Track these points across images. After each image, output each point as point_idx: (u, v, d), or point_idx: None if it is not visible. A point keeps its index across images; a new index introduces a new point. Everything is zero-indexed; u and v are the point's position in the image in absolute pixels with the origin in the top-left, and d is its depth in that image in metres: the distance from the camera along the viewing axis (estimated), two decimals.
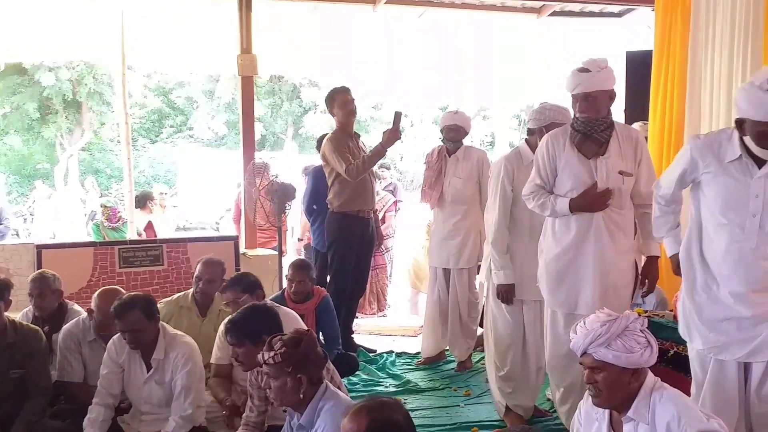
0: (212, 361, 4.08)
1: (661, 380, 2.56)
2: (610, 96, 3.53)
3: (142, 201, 8.63)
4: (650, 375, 2.54)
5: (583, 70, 3.46)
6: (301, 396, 2.81)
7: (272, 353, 2.79)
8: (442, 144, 5.53)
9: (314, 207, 6.24)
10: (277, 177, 5.74)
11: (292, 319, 4.15)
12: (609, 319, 2.52)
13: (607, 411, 2.63)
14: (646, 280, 3.70)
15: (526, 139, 4.29)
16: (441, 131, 5.49)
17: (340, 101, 5.48)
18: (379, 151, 5.43)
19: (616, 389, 2.49)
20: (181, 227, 13.97)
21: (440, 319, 5.54)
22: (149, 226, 8.49)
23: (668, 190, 3.12)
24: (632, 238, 3.72)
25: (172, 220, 9.38)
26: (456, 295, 5.46)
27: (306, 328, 3.04)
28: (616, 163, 3.55)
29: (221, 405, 3.91)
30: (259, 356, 2.86)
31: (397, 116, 5.47)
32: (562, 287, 3.67)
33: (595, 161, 3.54)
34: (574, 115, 3.61)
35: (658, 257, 3.69)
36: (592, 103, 3.47)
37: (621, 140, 3.58)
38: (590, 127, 3.52)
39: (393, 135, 5.41)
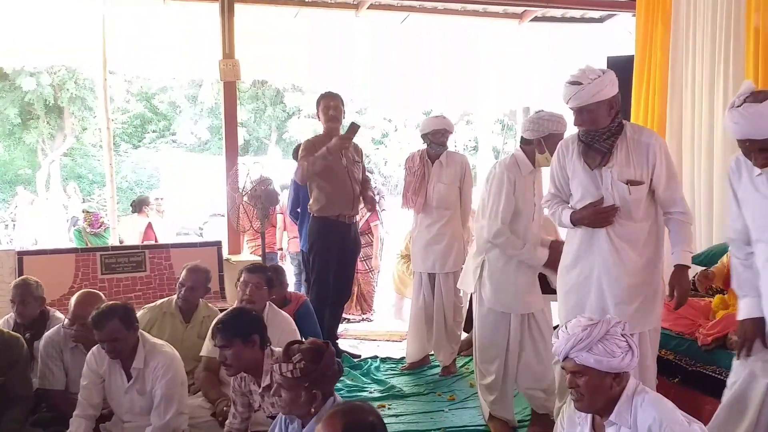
0: (203, 353, 4.11)
1: None
2: (610, 105, 3.29)
3: (138, 206, 8.66)
4: (632, 379, 2.56)
5: (575, 82, 3.26)
6: (313, 410, 2.78)
7: (291, 367, 2.75)
8: (422, 148, 5.51)
9: (298, 210, 6.24)
10: (267, 181, 5.69)
11: (285, 322, 4.18)
12: (590, 323, 2.54)
13: (589, 415, 2.64)
14: (675, 292, 3.34)
15: (522, 148, 4.19)
16: (426, 136, 5.43)
17: (323, 107, 5.47)
18: (324, 155, 5.24)
19: (598, 393, 2.51)
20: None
21: (426, 323, 5.54)
22: (149, 228, 8.49)
23: (736, 225, 2.98)
24: (652, 251, 3.41)
25: (171, 224, 9.36)
26: (441, 300, 5.45)
27: (324, 340, 2.96)
28: (623, 172, 3.32)
29: (213, 406, 3.93)
30: (276, 366, 2.81)
31: (354, 128, 5.32)
32: (569, 302, 3.50)
33: (599, 171, 3.35)
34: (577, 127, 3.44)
35: (688, 267, 3.36)
36: (588, 115, 3.29)
37: (630, 146, 3.33)
38: (591, 137, 3.34)
39: (341, 143, 5.23)
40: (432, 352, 5.69)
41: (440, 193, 5.36)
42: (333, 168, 5.34)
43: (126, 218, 9.04)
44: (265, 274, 4.31)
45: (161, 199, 9.77)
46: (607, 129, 3.32)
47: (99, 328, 3.51)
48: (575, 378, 2.53)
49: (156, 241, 8.20)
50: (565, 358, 2.55)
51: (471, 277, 4.37)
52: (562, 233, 4.12)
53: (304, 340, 3.01)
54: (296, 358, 2.77)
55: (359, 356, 5.97)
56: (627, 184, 3.29)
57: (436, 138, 5.37)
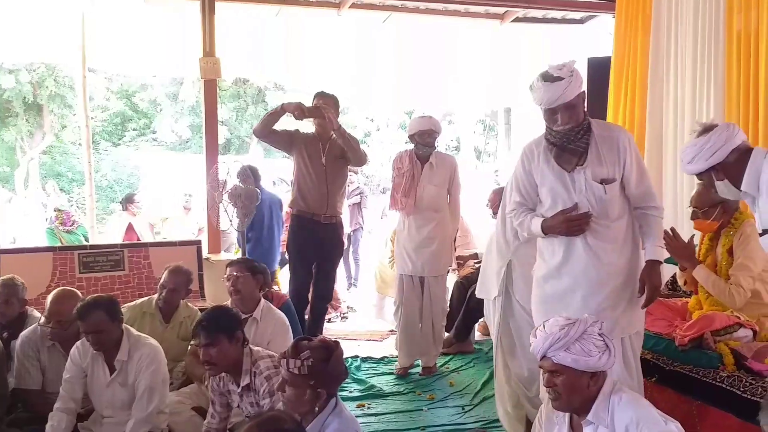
0: (190, 348, 4.09)
1: None
2: (583, 98, 3.21)
3: (124, 203, 8.65)
4: (609, 378, 2.58)
5: (556, 78, 3.09)
6: (316, 409, 2.77)
7: (299, 363, 2.72)
8: (409, 149, 5.44)
9: None
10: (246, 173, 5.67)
11: (279, 320, 4.17)
12: (568, 323, 2.55)
13: (567, 414, 2.66)
14: (645, 288, 3.24)
15: None
16: (413, 137, 5.34)
17: (314, 104, 5.41)
18: (275, 110, 5.19)
19: (575, 392, 2.52)
20: None
21: (417, 326, 5.50)
22: (130, 228, 8.46)
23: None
24: (630, 248, 3.31)
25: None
26: (430, 303, 5.42)
27: (334, 339, 2.94)
28: (596, 171, 3.20)
29: (198, 382, 3.98)
30: (284, 362, 2.77)
31: (319, 111, 5.12)
32: (547, 313, 3.17)
33: (572, 174, 3.22)
34: (547, 127, 3.26)
35: (660, 262, 3.28)
36: (572, 112, 3.15)
37: (600, 143, 3.22)
38: (566, 139, 3.19)
39: (298, 105, 5.07)
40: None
41: (431, 195, 5.30)
42: (309, 166, 5.30)
43: (113, 216, 9.06)
44: (246, 263, 4.31)
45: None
46: (580, 127, 3.20)
47: (83, 319, 3.50)
48: (553, 377, 2.55)
49: (139, 239, 8.20)
50: (543, 357, 2.56)
51: (493, 282, 4.14)
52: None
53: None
54: (305, 355, 2.73)
55: None
56: (601, 183, 3.19)
57: (423, 139, 5.28)
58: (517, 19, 7.81)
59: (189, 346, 4.14)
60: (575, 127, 3.18)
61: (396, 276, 5.62)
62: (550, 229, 3.25)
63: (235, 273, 4.18)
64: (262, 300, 4.25)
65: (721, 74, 5.12)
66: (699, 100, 5.34)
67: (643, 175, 3.30)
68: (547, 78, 3.12)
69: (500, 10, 7.63)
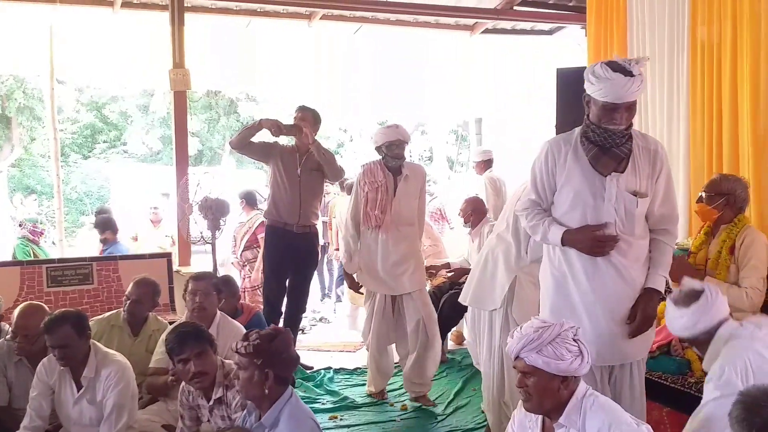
0: (152, 365, 4.03)
1: None
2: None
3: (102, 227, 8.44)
4: (582, 383, 2.58)
5: (628, 73, 2.80)
6: (266, 391, 2.84)
7: (246, 343, 2.85)
8: (376, 160, 5.04)
9: None
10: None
11: (237, 331, 4.15)
12: (543, 325, 2.54)
13: (539, 418, 2.66)
14: (637, 316, 3.00)
15: None
16: (380, 149, 4.94)
17: (293, 118, 5.42)
18: (253, 125, 5.32)
19: (546, 395, 2.52)
20: None
21: (390, 348, 5.20)
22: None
23: None
24: (647, 269, 3.08)
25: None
26: (419, 314, 4.97)
27: (283, 327, 3.07)
28: (630, 181, 2.94)
29: (163, 398, 3.96)
30: (232, 345, 2.92)
31: (296, 128, 5.26)
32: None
33: (605, 179, 2.95)
34: (592, 124, 2.95)
35: (659, 293, 3.05)
36: (631, 112, 2.90)
37: (639, 154, 2.97)
38: (611, 139, 2.92)
39: (275, 121, 5.20)
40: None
41: (408, 208, 4.96)
42: (284, 176, 5.36)
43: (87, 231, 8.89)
44: (212, 280, 4.29)
45: (156, 208, 9.44)
46: (627, 131, 2.95)
47: (50, 333, 3.45)
48: (524, 378, 2.54)
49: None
50: (516, 357, 2.57)
51: (496, 294, 3.92)
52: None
53: None
54: (252, 337, 2.87)
55: (311, 367, 5.93)
56: (635, 195, 2.95)
57: (392, 150, 4.89)
58: (487, 31, 7.90)
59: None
60: (624, 130, 2.93)
61: (368, 295, 5.20)
62: (571, 242, 3.00)
63: (202, 290, 4.13)
64: (218, 313, 4.22)
65: (686, 85, 5.17)
66: (669, 111, 5.39)
67: (669, 196, 3.09)
68: (623, 71, 2.81)
69: (470, 21, 7.70)
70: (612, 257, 2.96)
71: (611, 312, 3.01)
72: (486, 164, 8.09)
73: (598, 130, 2.92)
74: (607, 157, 2.95)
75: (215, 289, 4.23)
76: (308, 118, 5.34)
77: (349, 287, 5.51)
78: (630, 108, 2.88)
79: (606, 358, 3.05)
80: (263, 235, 6.92)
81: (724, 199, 3.95)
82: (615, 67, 2.80)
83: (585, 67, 3.07)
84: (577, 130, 3.06)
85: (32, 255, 7.30)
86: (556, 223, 3.05)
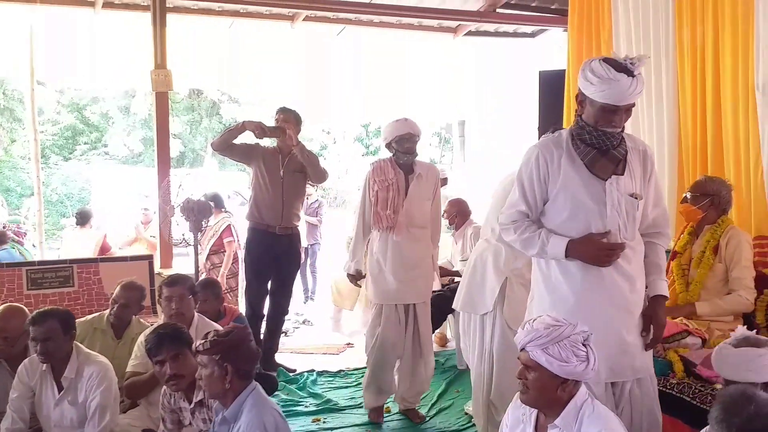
0: (128, 369, 3.94)
1: None
2: None
3: (83, 219, 8.38)
4: (583, 389, 2.56)
5: (630, 73, 2.65)
6: (227, 386, 2.91)
7: (204, 341, 2.94)
8: (386, 157, 4.74)
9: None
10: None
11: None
12: (554, 323, 2.50)
13: (533, 416, 2.64)
14: (651, 326, 2.87)
15: None
16: (390, 145, 4.65)
17: (274, 119, 5.41)
18: (236, 127, 5.31)
19: (543, 392, 2.50)
20: None
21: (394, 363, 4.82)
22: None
23: None
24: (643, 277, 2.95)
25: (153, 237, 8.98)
26: (418, 330, 4.73)
27: (261, 355, 3.18)
28: (627, 184, 2.80)
29: (145, 402, 3.88)
30: (194, 345, 3.01)
31: (280, 130, 5.29)
32: None
33: (605, 183, 2.78)
34: (588, 125, 2.78)
35: (666, 297, 2.93)
36: (629, 113, 2.76)
37: (631, 155, 2.84)
38: (610, 142, 2.77)
39: (259, 124, 5.22)
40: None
41: (421, 209, 4.65)
42: (266, 178, 5.37)
43: (71, 232, 8.79)
44: (187, 283, 4.17)
45: (147, 209, 9.34)
46: (622, 133, 2.81)
47: (37, 325, 3.45)
48: (526, 371, 2.52)
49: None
50: (522, 349, 2.55)
51: (487, 298, 3.81)
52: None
53: None
54: (210, 335, 2.97)
55: (294, 370, 5.90)
56: (634, 198, 2.82)
57: (402, 145, 4.58)
58: (470, 33, 7.92)
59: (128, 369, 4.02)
60: (618, 132, 2.79)
61: (374, 307, 4.79)
62: (577, 253, 2.77)
63: (177, 296, 4.04)
64: (196, 315, 4.17)
65: (673, 86, 5.19)
66: (656, 112, 5.40)
67: (660, 196, 2.99)
68: (626, 70, 2.66)
69: (453, 23, 7.72)
70: (617, 266, 2.79)
71: (625, 325, 2.83)
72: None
73: (594, 132, 2.76)
74: (606, 159, 2.79)
75: (190, 292, 4.13)
76: (290, 119, 5.35)
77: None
78: (629, 110, 2.74)
79: (626, 373, 2.88)
80: (230, 239, 6.94)
81: (708, 199, 4.00)
82: (618, 66, 2.65)
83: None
84: (564, 132, 2.91)
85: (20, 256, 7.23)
86: (555, 234, 2.82)
